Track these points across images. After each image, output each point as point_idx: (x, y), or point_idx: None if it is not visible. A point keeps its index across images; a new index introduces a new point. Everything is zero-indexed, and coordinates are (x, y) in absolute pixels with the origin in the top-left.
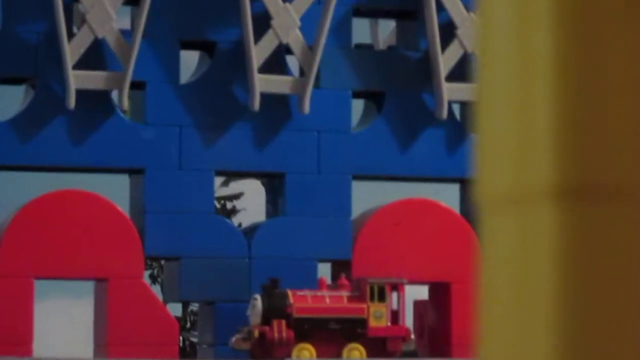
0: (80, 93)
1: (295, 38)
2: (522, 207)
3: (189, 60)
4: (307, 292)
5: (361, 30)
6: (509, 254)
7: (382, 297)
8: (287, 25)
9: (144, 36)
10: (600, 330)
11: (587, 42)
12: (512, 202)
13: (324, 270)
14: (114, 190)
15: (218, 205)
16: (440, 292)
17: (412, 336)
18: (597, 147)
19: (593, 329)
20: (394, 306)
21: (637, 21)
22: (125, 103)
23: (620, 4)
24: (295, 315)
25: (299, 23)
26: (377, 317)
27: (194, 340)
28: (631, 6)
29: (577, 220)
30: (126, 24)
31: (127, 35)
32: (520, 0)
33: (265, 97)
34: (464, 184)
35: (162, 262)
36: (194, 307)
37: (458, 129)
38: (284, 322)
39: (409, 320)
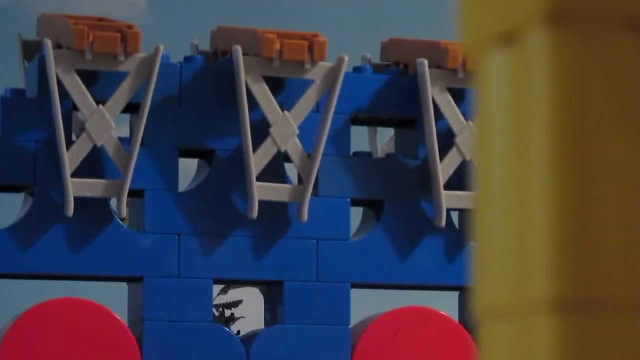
0: (78, 201)
1: (294, 146)
2: (520, 317)
3: (188, 168)
4: None
5: (360, 138)
6: None
7: None
8: (286, 134)
9: (142, 144)
10: None
11: (586, 153)
12: (510, 312)
13: None
14: (113, 298)
15: (217, 313)
16: None
17: None
18: (594, 261)
19: None
20: None
21: (633, 131)
22: (124, 211)
23: (618, 114)
24: None
25: (297, 131)
26: None
27: None
28: (628, 117)
29: (574, 332)
30: (125, 132)
31: (125, 143)
32: (518, 110)
33: (264, 205)
34: (463, 292)
35: None
36: None
37: (457, 238)
38: None
39: None
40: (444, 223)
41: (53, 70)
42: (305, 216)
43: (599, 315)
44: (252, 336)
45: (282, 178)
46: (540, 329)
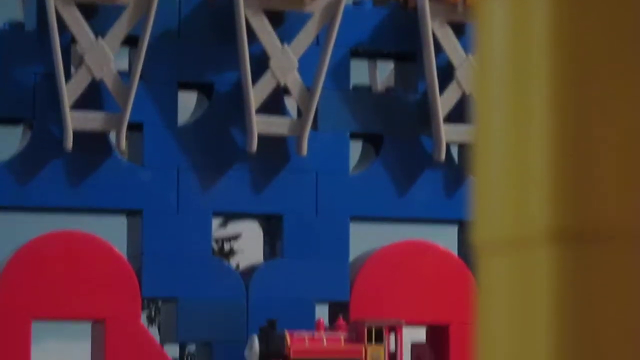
0: (77, 134)
1: (293, 79)
2: (518, 249)
3: (187, 101)
4: (305, 334)
5: (359, 71)
6: (506, 295)
7: (379, 339)
8: (286, 67)
9: (141, 78)
10: None
11: (586, 86)
12: (508, 245)
13: (322, 312)
14: (112, 231)
15: (216, 247)
16: (438, 334)
17: None
18: (591, 192)
19: None
20: (392, 348)
21: (632, 62)
22: (123, 144)
23: (618, 43)
24: (293, 357)
25: (297, 64)
26: (374, 359)
27: None
28: (626, 47)
29: (572, 261)
30: (124, 66)
31: (124, 76)
32: (517, 44)
33: (263, 139)
34: (462, 226)
35: (159, 303)
36: (191, 348)
37: (456, 171)
38: None
39: None
40: (443, 157)
41: (52, 2)
42: (305, 150)
43: (597, 245)
44: (251, 269)
45: (282, 111)
46: (539, 260)
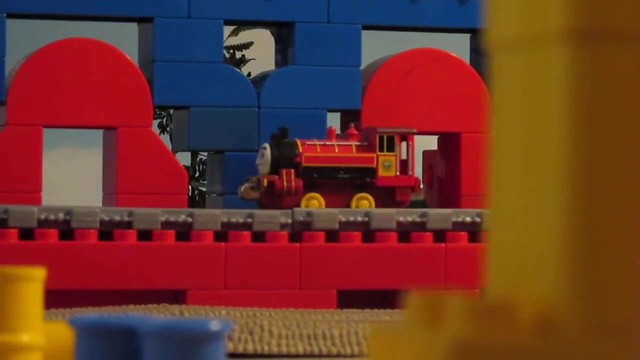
0: None
1: None
2: (533, 48)
3: None
4: (316, 142)
5: None
6: (519, 94)
7: (391, 147)
8: None
9: None
10: (606, 171)
11: None
12: (523, 44)
13: (334, 121)
14: (123, 39)
15: (227, 55)
16: (449, 142)
17: (421, 186)
18: None
19: (601, 171)
20: (403, 156)
21: None
22: None
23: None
24: (304, 164)
25: None
26: (386, 167)
27: (203, 189)
28: None
29: (587, 60)
30: None
31: None
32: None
33: None
34: (475, 34)
35: (171, 111)
36: (203, 156)
37: None
38: (292, 171)
39: (418, 170)
40: None
41: None
42: None
43: (611, 45)
44: (262, 77)
45: None
46: (554, 60)
